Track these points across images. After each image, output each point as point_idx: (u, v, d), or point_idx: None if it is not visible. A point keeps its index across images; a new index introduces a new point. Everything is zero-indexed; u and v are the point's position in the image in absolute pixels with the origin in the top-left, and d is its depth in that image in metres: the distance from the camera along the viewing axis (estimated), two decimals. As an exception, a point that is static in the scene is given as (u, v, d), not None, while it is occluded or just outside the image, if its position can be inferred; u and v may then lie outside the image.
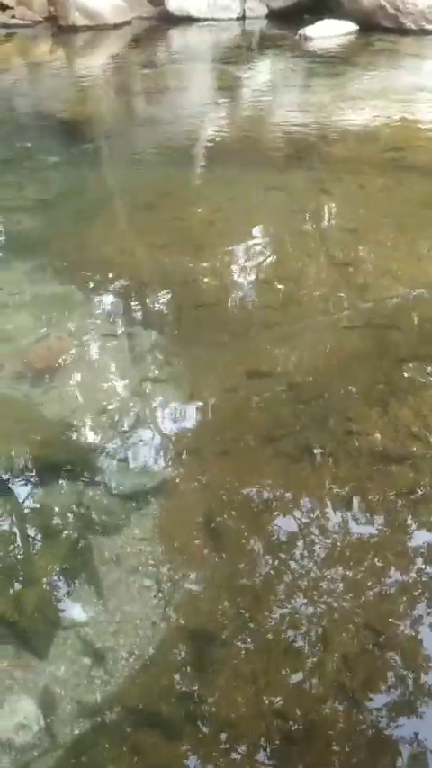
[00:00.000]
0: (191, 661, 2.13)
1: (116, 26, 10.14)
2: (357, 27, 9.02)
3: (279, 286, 3.92)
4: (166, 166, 5.59)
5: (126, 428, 2.99)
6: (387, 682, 2.05)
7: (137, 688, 2.08)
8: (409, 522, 2.52)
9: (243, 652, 2.13)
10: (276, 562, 2.39)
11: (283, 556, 2.41)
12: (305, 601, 2.26)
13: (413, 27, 8.78)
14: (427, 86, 7.34)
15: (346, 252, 4.23)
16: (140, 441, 2.93)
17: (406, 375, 3.18)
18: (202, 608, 2.27)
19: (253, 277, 4.02)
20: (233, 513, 2.57)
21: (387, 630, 2.17)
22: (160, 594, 2.32)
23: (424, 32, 8.73)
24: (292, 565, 2.38)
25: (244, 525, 2.52)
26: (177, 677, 2.10)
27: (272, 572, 2.36)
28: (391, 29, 8.86)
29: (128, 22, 10.28)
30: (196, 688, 2.06)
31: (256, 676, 2.08)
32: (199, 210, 4.80)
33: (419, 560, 2.38)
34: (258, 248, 4.29)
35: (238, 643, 2.15)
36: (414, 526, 2.51)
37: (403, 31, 8.79)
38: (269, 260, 4.20)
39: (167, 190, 5.13)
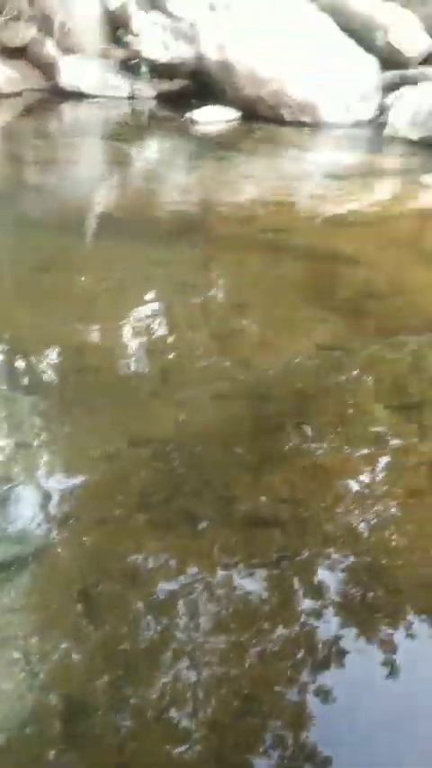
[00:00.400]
0: (60, 734, 2.07)
1: (7, 96, 10.27)
2: (240, 114, 9.58)
3: (163, 356, 4.02)
4: (53, 234, 5.66)
5: None
6: (261, 748, 2.08)
7: (1, 762, 2.00)
8: (283, 585, 2.60)
9: (116, 723, 2.10)
10: (152, 630, 2.39)
11: (159, 624, 2.41)
12: (181, 669, 2.26)
13: (290, 119, 9.44)
14: (304, 174, 7.89)
15: (226, 325, 4.41)
16: (14, 509, 2.88)
17: (278, 444, 3.33)
18: (74, 679, 2.23)
19: (138, 346, 4.10)
20: (109, 581, 2.56)
21: (263, 696, 2.20)
22: (29, 667, 2.25)
23: (300, 124, 9.39)
24: (169, 633, 2.38)
25: (120, 593, 2.51)
26: (46, 750, 2.03)
27: (147, 641, 2.36)
28: (271, 118, 9.47)
29: (19, 93, 10.44)
30: (65, 761, 2.00)
31: (129, 747, 2.05)
32: (84, 279, 4.88)
33: (294, 625, 2.45)
34: (143, 318, 4.40)
35: (111, 714, 2.13)
36: (288, 589, 2.59)
37: (282, 122, 9.42)
38: (154, 330, 4.30)
39: (54, 257, 5.19)
